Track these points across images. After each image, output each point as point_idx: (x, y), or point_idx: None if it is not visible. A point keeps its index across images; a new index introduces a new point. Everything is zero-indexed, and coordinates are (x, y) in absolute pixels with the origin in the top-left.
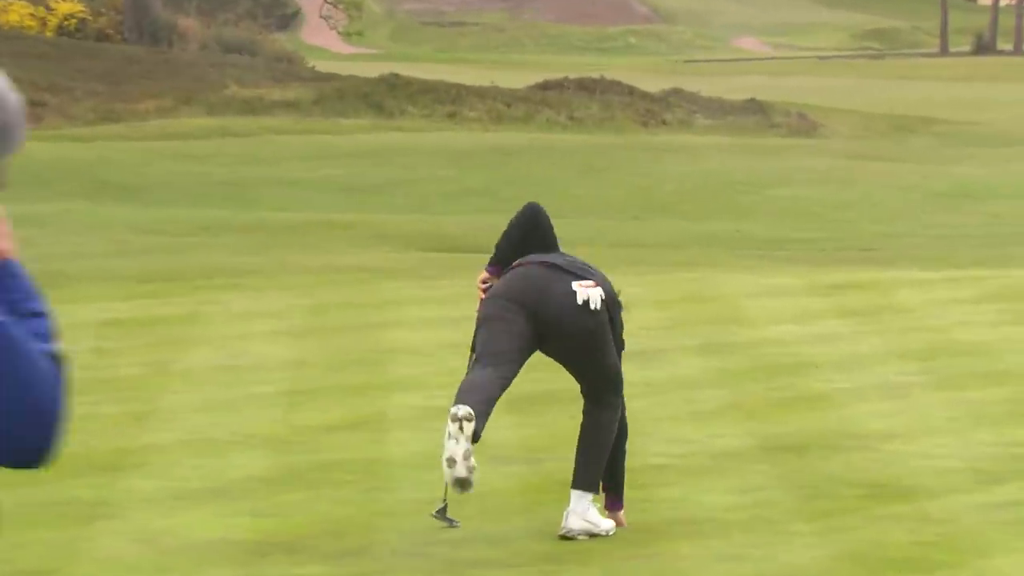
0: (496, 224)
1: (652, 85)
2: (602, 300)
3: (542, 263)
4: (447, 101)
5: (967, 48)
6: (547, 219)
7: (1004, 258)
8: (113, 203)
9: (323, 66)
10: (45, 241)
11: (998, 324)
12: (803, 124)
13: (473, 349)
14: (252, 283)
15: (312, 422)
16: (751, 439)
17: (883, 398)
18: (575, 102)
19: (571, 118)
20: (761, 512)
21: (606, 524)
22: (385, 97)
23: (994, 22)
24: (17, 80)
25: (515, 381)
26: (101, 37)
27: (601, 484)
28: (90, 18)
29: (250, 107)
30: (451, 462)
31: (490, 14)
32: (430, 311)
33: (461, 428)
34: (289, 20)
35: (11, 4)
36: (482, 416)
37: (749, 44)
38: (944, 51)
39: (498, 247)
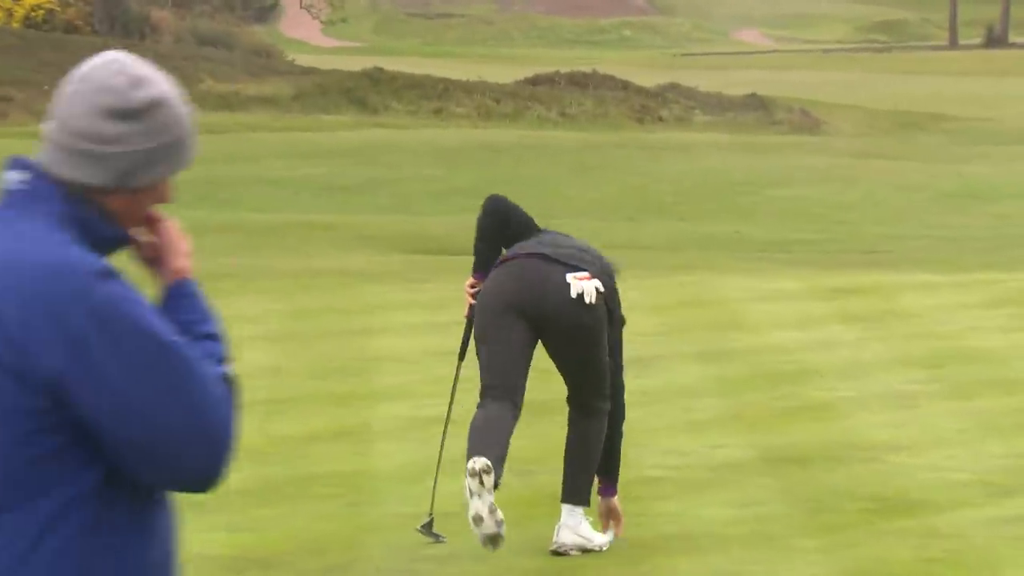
0: None
1: (648, 80)
2: (599, 292)
3: (532, 255)
4: (433, 96)
5: (978, 41)
6: (514, 207)
7: (1014, 261)
8: None
9: (303, 60)
10: None
11: (1008, 330)
12: (806, 121)
13: (461, 357)
14: (228, 287)
15: (291, 432)
16: (751, 450)
17: (889, 408)
18: (567, 98)
19: (563, 114)
20: (762, 527)
21: (600, 539)
22: (368, 92)
23: (1006, 13)
24: None
25: None
26: (70, 29)
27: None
28: (58, 9)
29: (226, 103)
30: (478, 520)
31: (478, 6)
32: (415, 316)
33: (482, 482)
34: (267, 12)
35: None
36: (499, 462)
37: (750, 37)
38: (953, 44)
39: (477, 251)
